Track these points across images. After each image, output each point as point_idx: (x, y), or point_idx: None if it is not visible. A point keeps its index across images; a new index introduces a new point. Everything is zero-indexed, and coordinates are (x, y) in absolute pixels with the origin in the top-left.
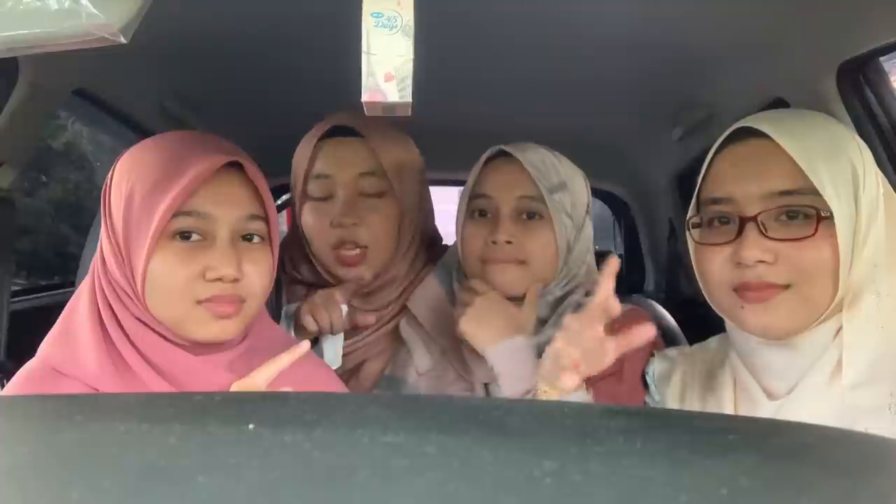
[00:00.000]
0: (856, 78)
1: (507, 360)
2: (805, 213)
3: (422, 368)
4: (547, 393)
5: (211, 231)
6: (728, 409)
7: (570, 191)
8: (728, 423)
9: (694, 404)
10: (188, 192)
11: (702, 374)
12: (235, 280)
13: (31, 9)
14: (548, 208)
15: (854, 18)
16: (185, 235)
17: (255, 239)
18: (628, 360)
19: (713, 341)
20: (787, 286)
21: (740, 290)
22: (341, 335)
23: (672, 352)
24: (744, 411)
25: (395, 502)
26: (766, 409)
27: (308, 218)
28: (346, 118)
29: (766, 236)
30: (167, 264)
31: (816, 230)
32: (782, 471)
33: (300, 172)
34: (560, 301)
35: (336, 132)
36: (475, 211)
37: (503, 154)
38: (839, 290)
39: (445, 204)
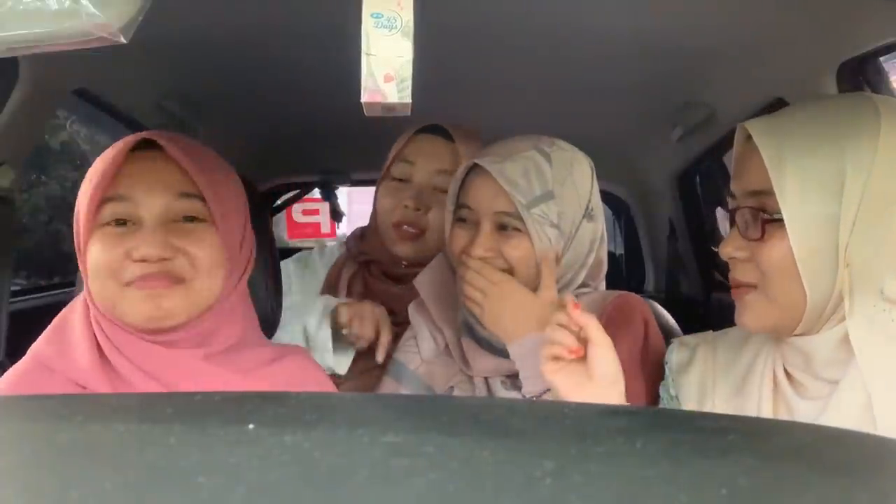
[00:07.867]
0: (856, 78)
1: (529, 357)
2: (769, 215)
3: (425, 355)
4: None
5: (140, 214)
6: (765, 409)
7: (557, 198)
8: (728, 423)
9: (715, 399)
10: (109, 178)
11: (724, 369)
12: (162, 259)
13: (31, 9)
14: (525, 224)
15: (854, 18)
16: (119, 222)
17: (193, 219)
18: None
19: (735, 331)
20: (755, 285)
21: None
22: (353, 350)
23: (691, 339)
24: (783, 411)
25: (395, 502)
26: (803, 410)
27: (383, 196)
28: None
29: (742, 234)
30: (99, 250)
31: (763, 233)
32: (782, 471)
33: (391, 153)
34: None
35: (428, 129)
36: (460, 218)
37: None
38: (808, 292)
39: None
